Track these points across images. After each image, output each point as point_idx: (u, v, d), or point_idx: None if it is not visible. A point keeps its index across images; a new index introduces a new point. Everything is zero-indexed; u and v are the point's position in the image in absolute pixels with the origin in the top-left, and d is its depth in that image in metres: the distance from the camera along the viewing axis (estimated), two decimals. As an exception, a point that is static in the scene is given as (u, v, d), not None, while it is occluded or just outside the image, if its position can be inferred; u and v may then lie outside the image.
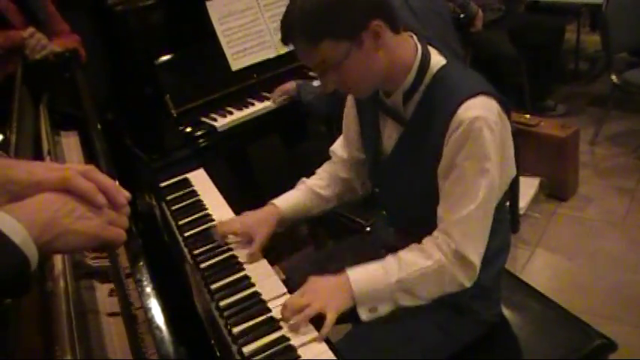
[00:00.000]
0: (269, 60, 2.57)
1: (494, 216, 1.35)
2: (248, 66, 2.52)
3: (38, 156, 1.31)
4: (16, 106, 1.43)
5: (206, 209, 1.63)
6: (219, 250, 1.45)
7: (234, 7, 2.52)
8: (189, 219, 1.60)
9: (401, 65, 1.26)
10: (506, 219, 1.47)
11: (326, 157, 1.64)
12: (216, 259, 1.43)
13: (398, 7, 2.06)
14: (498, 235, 1.40)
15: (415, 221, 1.35)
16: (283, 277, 1.47)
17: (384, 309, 1.25)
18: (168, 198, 1.69)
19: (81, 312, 0.89)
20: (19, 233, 0.70)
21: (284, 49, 2.59)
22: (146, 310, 0.91)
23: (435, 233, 1.26)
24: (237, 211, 1.58)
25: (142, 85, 2.47)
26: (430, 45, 1.31)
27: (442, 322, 1.39)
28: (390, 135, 1.37)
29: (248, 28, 2.54)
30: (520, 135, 2.77)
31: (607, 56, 3.46)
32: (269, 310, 1.26)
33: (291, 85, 2.42)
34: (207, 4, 2.46)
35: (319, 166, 1.63)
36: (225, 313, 1.25)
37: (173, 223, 1.58)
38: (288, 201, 1.53)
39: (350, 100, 1.52)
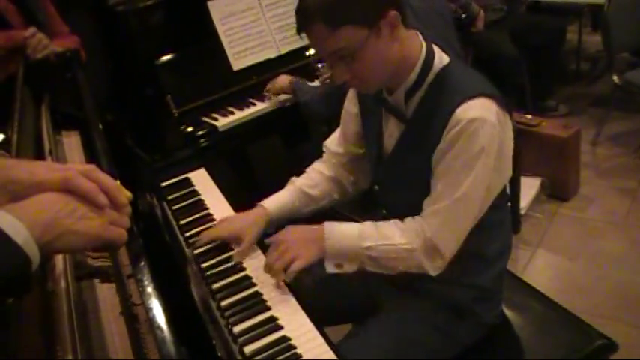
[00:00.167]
0: (270, 60, 2.57)
1: (497, 217, 1.35)
2: (249, 66, 2.52)
3: (40, 156, 1.31)
4: (18, 105, 1.43)
5: (207, 209, 1.63)
6: (221, 250, 1.45)
7: (235, 7, 2.52)
8: (191, 219, 1.60)
9: (408, 61, 1.26)
10: (508, 220, 1.47)
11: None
12: (217, 258, 1.43)
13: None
14: (499, 237, 1.40)
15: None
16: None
17: (350, 267, 1.32)
18: (170, 198, 1.69)
19: (82, 312, 0.89)
20: (20, 233, 0.70)
21: (285, 49, 2.60)
22: (147, 309, 0.91)
23: (418, 217, 1.29)
24: (238, 211, 1.58)
25: (143, 85, 2.48)
26: (434, 44, 1.31)
27: (443, 324, 1.39)
28: (391, 133, 1.37)
29: (249, 28, 2.54)
30: (521, 135, 2.77)
31: (608, 56, 3.45)
32: (270, 310, 1.26)
33: (284, 81, 2.38)
34: (209, 4, 2.46)
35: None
36: (226, 313, 1.25)
37: (174, 223, 1.58)
38: (276, 202, 1.52)
39: (351, 97, 1.51)
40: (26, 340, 0.81)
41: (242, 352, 1.16)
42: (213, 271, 1.39)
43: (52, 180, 0.80)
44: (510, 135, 1.28)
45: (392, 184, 1.42)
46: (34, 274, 0.72)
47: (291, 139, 3.05)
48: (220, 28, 2.48)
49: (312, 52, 2.62)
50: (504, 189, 1.38)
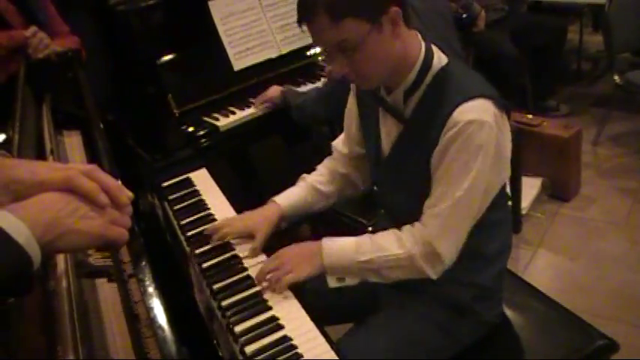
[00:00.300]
0: (271, 60, 2.57)
1: (497, 216, 1.35)
2: (250, 66, 2.52)
3: (41, 155, 1.31)
4: (19, 105, 1.43)
5: (208, 209, 1.63)
6: (222, 250, 1.45)
7: (236, 7, 2.52)
8: (192, 219, 1.60)
9: (407, 60, 1.27)
10: (508, 219, 1.47)
11: (327, 158, 1.64)
12: (219, 259, 1.43)
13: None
14: (499, 236, 1.40)
15: (413, 220, 1.36)
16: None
17: (351, 280, 1.35)
18: (171, 198, 1.69)
19: (83, 312, 0.89)
20: (22, 233, 0.70)
21: (286, 49, 2.60)
22: (148, 309, 0.91)
23: (417, 222, 1.29)
24: (239, 211, 1.58)
25: (144, 85, 2.48)
26: (434, 44, 1.31)
27: (443, 322, 1.39)
28: (389, 133, 1.37)
29: (250, 28, 2.54)
30: (522, 135, 2.77)
31: (609, 56, 3.45)
32: (271, 310, 1.26)
33: (275, 93, 2.38)
34: (210, 4, 2.46)
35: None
36: (228, 313, 1.26)
37: (175, 223, 1.59)
38: (288, 198, 1.53)
39: (352, 97, 1.52)
40: (27, 339, 0.81)
41: (243, 352, 1.16)
42: (214, 271, 1.39)
43: (54, 179, 0.80)
44: (508, 136, 1.28)
45: (390, 184, 1.42)
46: (35, 273, 0.72)
47: (292, 139, 3.05)
48: (221, 28, 2.47)
49: (313, 51, 2.62)
50: (504, 188, 1.38)
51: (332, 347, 1.16)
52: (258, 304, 1.28)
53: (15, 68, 1.89)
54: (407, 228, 1.31)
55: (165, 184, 1.77)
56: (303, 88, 2.49)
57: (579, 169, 3.10)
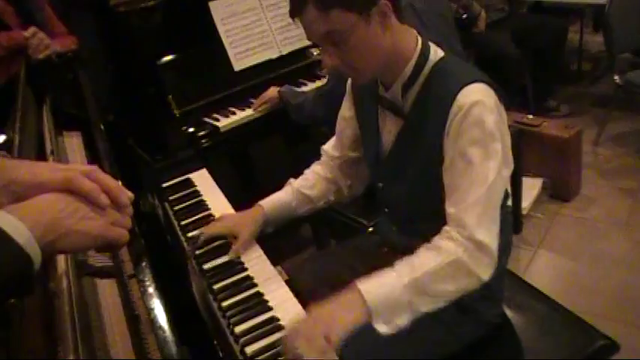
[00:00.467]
0: (271, 60, 2.57)
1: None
2: (250, 66, 2.52)
3: (41, 156, 1.31)
4: (20, 106, 1.43)
5: (209, 209, 1.63)
6: (222, 250, 1.45)
7: (236, 8, 2.52)
8: (192, 219, 1.60)
9: (401, 53, 1.27)
10: (508, 219, 1.47)
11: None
12: (219, 259, 1.43)
13: (402, 8, 2.04)
14: (500, 235, 1.40)
15: (417, 217, 1.35)
16: (286, 277, 1.48)
17: (401, 320, 1.15)
18: (171, 198, 1.69)
19: (84, 312, 0.90)
20: (22, 234, 0.70)
21: (287, 50, 2.60)
22: (149, 310, 0.92)
23: (447, 227, 1.20)
24: (240, 211, 1.58)
25: (144, 86, 2.48)
26: (432, 42, 1.31)
27: (444, 319, 1.39)
28: (389, 130, 1.38)
29: (251, 28, 2.54)
30: (523, 135, 2.77)
31: (610, 57, 3.45)
32: (271, 311, 1.26)
33: (272, 93, 2.38)
34: (210, 4, 2.46)
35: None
36: (228, 313, 1.26)
37: (176, 224, 1.59)
38: (273, 202, 1.55)
39: (346, 102, 1.52)
40: (28, 340, 0.81)
41: (243, 353, 1.16)
42: (215, 271, 1.39)
43: (54, 180, 0.80)
44: (506, 126, 1.28)
45: (393, 180, 1.42)
46: (35, 274, 0.72)
47: (292, 140, 3.05)
48: (222, 29, 2.48)
49: (316, 50, 2.62)
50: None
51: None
52: (259, 305, 1.28)
53: (16, 69, 1.90)
54: (438, 236, 1.20)
55: (166, 184, 1.77)
56: (303, 89, 2.49)
57: (580, 170, 3.10)
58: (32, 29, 2.11)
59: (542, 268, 2.65)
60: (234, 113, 2.40)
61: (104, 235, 0.81)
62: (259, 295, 1.31)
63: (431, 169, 1.26)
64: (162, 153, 2.04)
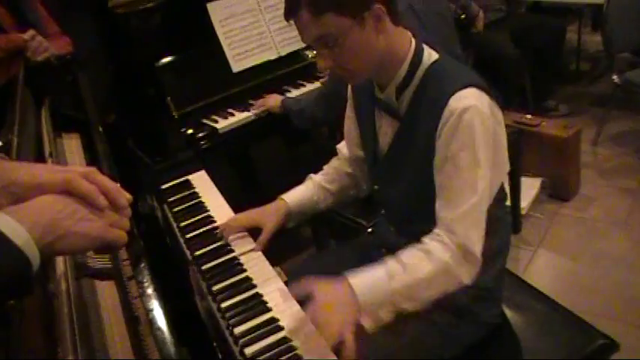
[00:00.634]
0: (270, 62, 2.57)
1: (495, 214, 1.35)
2: (249, 68, 2.52)
3: (40, 158, 1.31)
4: (18, 108, 1.43)
5: (207, 211, 1.63)
6: (221, 251, 1.45)
7: (235, 9, 2.52)
8: (191, 221, 1.60)
9: (395, 55, 1.27)
10: (507, 218, 1.47)
11: (327, 159, 1.65)
12: (218, 260, 1.43)
13: (403, 10, 2.04)
14: (499, 235, 1.40)
15: (414, 217, 1.36)
16: (285, 278, 1.48)
17: (386, 316, 1.19)
18: (170, 200, 1.69)
19: (83, 313, 0.90)
20: (20, 235, 0.70)
21: (285, 51, 2.60)
22: (148, 311, 0.92)
23: (437, 230, 1.23)
24: (239, 212, 1.58)
25: (143, 87, 2.48)
26: (427, 44, 1.32)
27: (441, 324, 1.39)
28: (386, 131, 1.38)
29: (249, 30, 2.55)
30: (522, 135, 2.77)
31: (609, 56, 3.45)
32: (271, 312, 1.26)
33: (274, 103, 2.37)
34: (208, 6, 2.47)
35: (321, 166, 1.64)
36: (227, 314, 1.26)
37: (174, 225, 1.59)
38: (295, 195, 1.56)
39: (350, 100, 1.53)
40: (27, 341, 0.81)
41: (243, 354, 1.16)
42: (214, 272, 1.39)
43: (53, 182, 0.80)
44: (503, 127, 1.29)
45: (389, 182, 1.42)
46: (34, 275, 0.72)
47: (291, 141, 3.05)
48: (220, 30, 2.48)
49: (312, 53, 2.62)
50: (502, 185, 1.38)
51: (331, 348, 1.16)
52: (258, 306, 1.28)
53: (15, 71, 1.90)
54: (431, 238, 1.22)
55: (165, 186, 1.77)
56: (301, 90, 2.49)
57: (579, 169, 3.10)
58: (31, 32, 2.12)
59: (541, 268, 2.65)
60: (232, 115, 2.40)
61: (103, 237, 0.81)
62: (259, 296, 1.31)
63: (426, 171, 1.26)
64: (161, 154, 2.04)
